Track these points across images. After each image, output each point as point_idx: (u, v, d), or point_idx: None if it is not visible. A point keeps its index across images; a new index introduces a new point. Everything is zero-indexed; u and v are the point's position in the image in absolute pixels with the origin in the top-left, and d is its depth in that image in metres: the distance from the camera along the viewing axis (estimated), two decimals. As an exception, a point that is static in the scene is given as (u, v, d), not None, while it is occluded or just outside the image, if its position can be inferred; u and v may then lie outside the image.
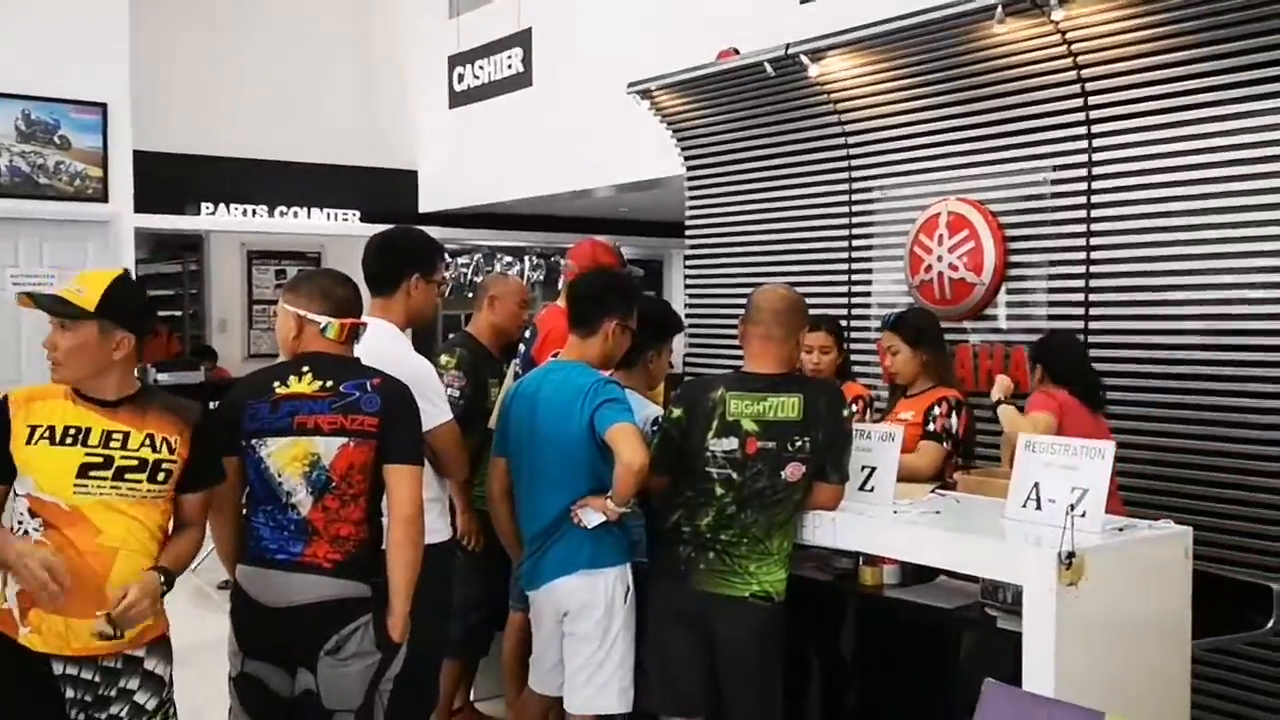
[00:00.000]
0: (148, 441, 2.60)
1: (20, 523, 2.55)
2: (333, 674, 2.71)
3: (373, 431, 2.75)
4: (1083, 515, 2.86)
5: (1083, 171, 4.54)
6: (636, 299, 3.50)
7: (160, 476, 2.61)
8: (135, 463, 2.57)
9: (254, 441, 2.77)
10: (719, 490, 3.14)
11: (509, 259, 11.89)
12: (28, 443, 2.54)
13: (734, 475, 3.13)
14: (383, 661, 2.75)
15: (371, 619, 2.73)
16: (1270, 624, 3.34)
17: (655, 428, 3.40)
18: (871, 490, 3.29)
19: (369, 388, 2.78)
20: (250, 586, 2.78)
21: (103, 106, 8.45)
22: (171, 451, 2.63)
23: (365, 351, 2.94)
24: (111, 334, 2.58)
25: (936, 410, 3.93)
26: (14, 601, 2.53)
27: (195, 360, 9.31)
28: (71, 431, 2.55)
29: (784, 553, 3.18)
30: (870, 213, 5.48)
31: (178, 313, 10.99)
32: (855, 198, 5.54)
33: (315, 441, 2.74)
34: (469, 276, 11.62)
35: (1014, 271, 4.82)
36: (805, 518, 3.21)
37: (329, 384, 2.78)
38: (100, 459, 2.55)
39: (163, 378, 8.88)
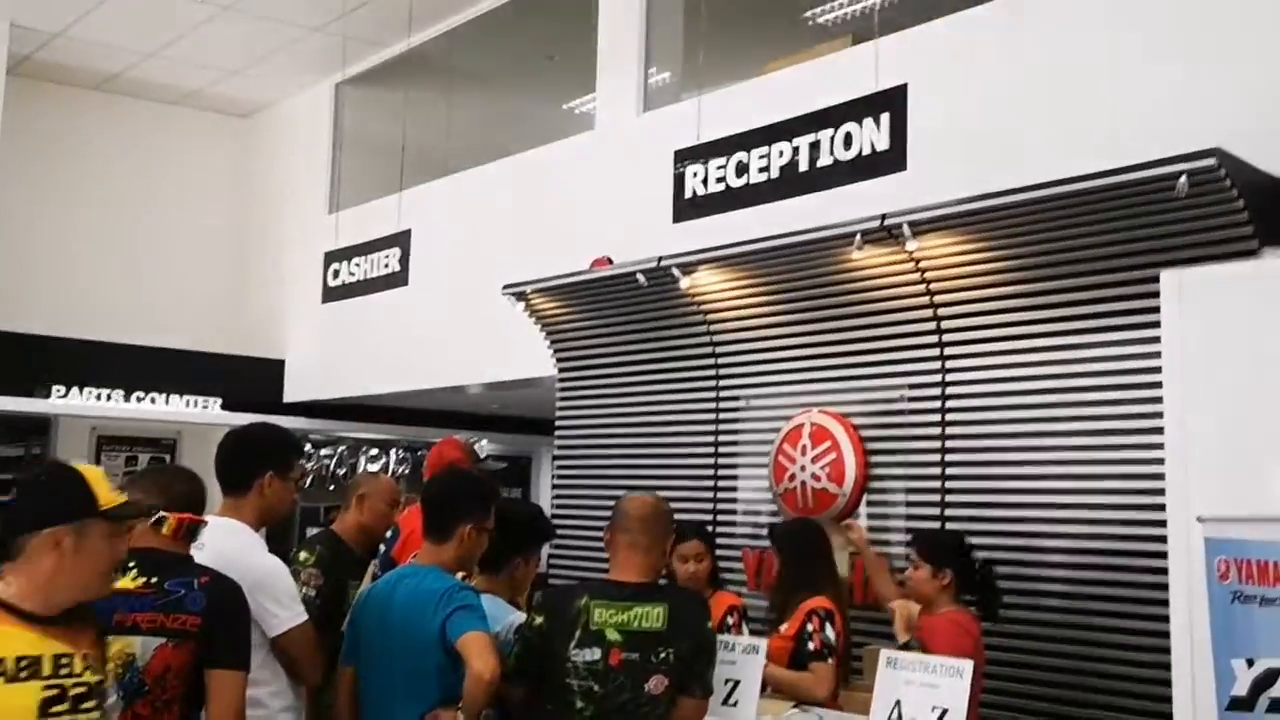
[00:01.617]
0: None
1: None
2: None
3: (194, 631, 2.61)
4: (940, 730, 2.86)
5: (936, 390, 4.77)
6: (494, 499, 3.42)
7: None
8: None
9: None
10: (579, 703, 3.03)
11: (374, 451, 11.67)
12: None
13: (595, 687, 3.03)
14: None
15: None
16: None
17: (517, 635, 3.30)
18: (735, 705, 3.23)
19: (195, 585, 2.65)
20: None
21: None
22: None
23: (212, 551, 2.83)
24: None
25: (810, 627, 3.88)
26: None
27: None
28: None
29: (646, 771, 3.06)
30: (736, 420, 5.60)
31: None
32: (722, 405, 5.67)
33: (132, 641, 2.60)
34: (331, 468, 11.32)
35: (875, 483, 4.96)
36: (667, 734, 3.11)
37: (153, 580, 2.66)
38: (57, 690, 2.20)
39: (-12, 568, 8.27)
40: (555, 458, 6.64)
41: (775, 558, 4.07)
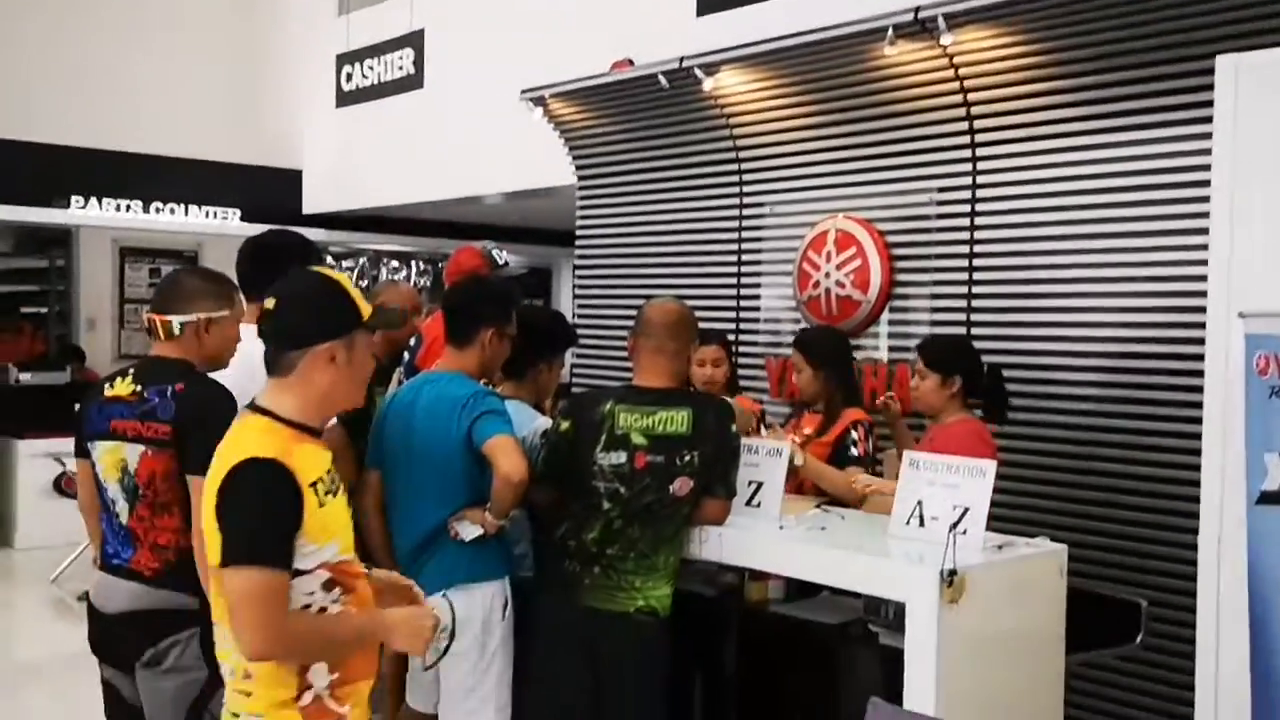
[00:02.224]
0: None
1: (308, 605, 2.08)
2: (149, 687, 2.64)
3: (166, 440, 2.63)
4: (964, 533, 2.90)
5: (967, 193, 4.64)
6: (514, 304, 3.40)
7: None
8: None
9: (89, 445, 2.75)
10: (606, 504, 3.09)
11: (395, 264, 11.66)
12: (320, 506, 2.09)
13: (621, 489, 3.08)
14: (211, 680, 2.55)
15: (198, 634, 2.58)
16: (1139, 638, 3.44)
17: (543, 439, 3.34)
18: (758, 505, 3.28)
19: (169, 393, 2.66)
20: (93, 592, 2.76)
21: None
22: None
23: (241, 359, 2.84)
24: None
25: (854, 435, 3.87)
26: (324, 687, 2.12)
27: (60, 360, 8.88)
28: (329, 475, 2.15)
29: (670, 568, 3.15)
30: (760, 228, 5.51)
31: (43, 309, 10.46)
32: (746, 212, 5.57)
33: (124, 447, 2.68)
34: (353, 281, 11.32)
35: (899, 290, 4.90)
36: (693, 532, 3.18)
37: (138, 388, 2.70)
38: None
39: (25, 378, 8.45)
40: (576, 267, 6.59)
41: (805, 364, 4.03)
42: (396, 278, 11.30)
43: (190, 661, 2.61)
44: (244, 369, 2.88)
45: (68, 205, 9.54)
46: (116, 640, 2.70)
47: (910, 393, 3.93)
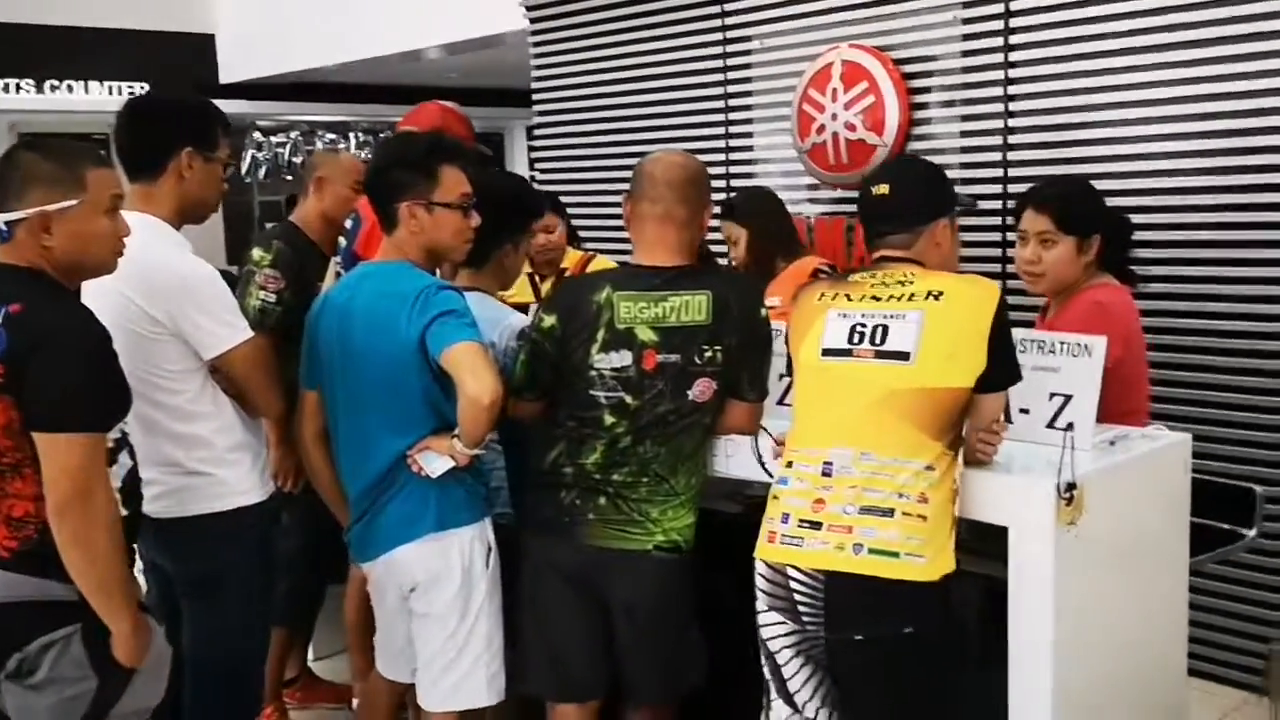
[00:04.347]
0: None
1: None
2: (19, 705, 1.99)
3: (1, 384, 1.93)
4: (1068, 428, 2.28)
5: (999, 6, 3.90)
6: (436, 163, 2.51)
7: None
8: None
9: None
10: (609, 418, 2.43)
11: (331, 136, 10.69)
12: None
13: (628, 399, 2.42)
14: (103, 692, 1.99)
15: (80, 631, 1.98)
16: (1253, 532, 2.88)
17: (520, 342, 2.64)
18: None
19: (2, 318, 1.94)
20: None
21: None
22: None
23: (129, 263, 2.15)
24: None
25: None
26: None
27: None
28: None
29: (692, 491, 2.52)
30: (748, 65, 4.73)
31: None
32: (730, 49, 4.78)
33: None
34: (285, 157, 10.39)
35: (919, 130, 4.19)
36: (718, 445, 2.55)
37: None
38: None
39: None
40: (533, 129, 5.78)
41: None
42: (337, 148, 10.37)
43: (70, 670, 1.97)
44: (135, 278, 2.19)
45: (-58, 88, 8.47)
46: None
47: (1025, 267, 2.81)
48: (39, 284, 2.00)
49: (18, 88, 8.67)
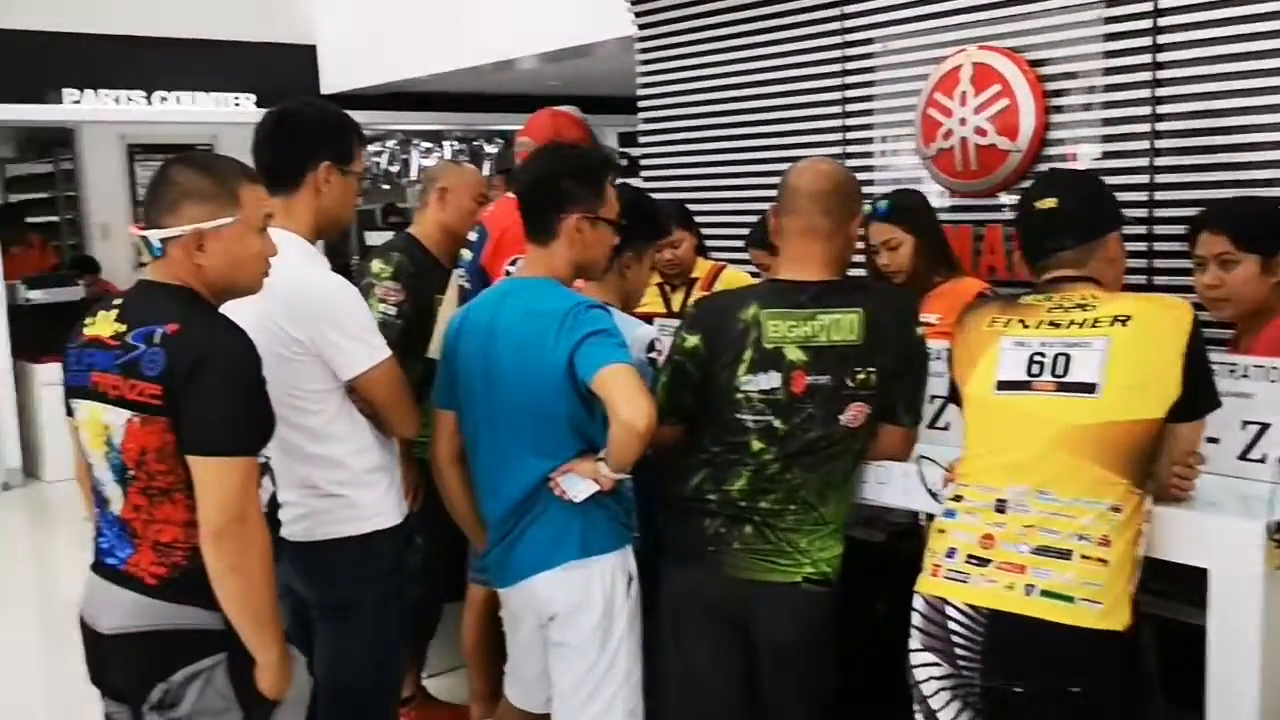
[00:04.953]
0: None
1: None
2: None
3: (156, 405, 1.87)
4: (1262, 460, 2.10)
5: (1148, 4, 3.68)
6: (607, 174, 2.48)
7: None
8: None
9: (70, 403, 2.03)
10: (756, 444, 2.31)
11: (427, 145, 10.74)
12: None
13: (776, 423, 2.29)
14: None
15: (226, 662, 1.92)
16: None
17: (652, 355, 2.54)
18: (946, 429, 2.48)
19: (157, 338, 1.88)
20: (83, 601, 2.05)
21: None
22: None
23: (273, 284, 2.10)
24: None
25: None
26: None
27: (73, 274, 8.14)
28: None
29: (840, 520, 2.38)
30: (870, 69, 4.56)
31: (53, 218, 9.69)
32: (850, 52, 4.61)
33: (106, 410, 1.93)
34: (381, 167, 10.46)
35: (1055, 134, 3.98)
36: (868, 472, 2.40)
37: (123, 329, 1.92)
38: None
39: (35, 295, 7.73)
40: (635, 134, 5.66)
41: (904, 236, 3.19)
42: (428, 161, 10.41)
43: (215, 702, 1.91)
44: (277, 297, 2.11)
45: (60, 99, 8.64)
46: (115, 670, 2.00)
47: (1207, 293, 2.65)
48: (194, 304, 1.95)
49: (128, 99, 8.84)
